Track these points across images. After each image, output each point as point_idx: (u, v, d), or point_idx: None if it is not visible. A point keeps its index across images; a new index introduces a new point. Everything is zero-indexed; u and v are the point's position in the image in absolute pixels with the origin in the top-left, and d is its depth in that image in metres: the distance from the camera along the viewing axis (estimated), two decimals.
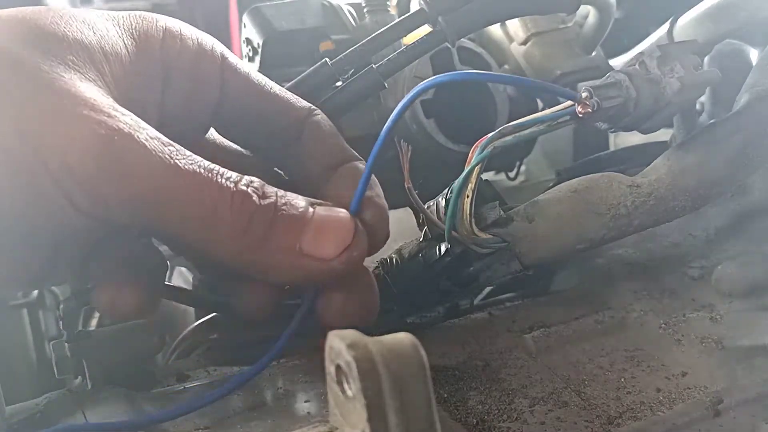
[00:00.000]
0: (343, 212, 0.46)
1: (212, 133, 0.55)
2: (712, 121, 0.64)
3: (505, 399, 0.52)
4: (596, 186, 0.59)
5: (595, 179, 0.60)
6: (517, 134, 0.53)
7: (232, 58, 0.51)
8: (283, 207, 0.43)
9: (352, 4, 0.87)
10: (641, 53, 0.58)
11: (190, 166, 0.42)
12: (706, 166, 0.59)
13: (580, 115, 0.53)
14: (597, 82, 0.56)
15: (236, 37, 2.60)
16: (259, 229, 0.42)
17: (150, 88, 0.48)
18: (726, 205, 0.65)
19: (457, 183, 0.53)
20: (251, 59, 0.84)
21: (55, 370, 0.56)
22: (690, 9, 0.78)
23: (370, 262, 0.66)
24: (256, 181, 0.43)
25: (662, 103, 0.57)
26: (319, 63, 0.60)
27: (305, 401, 0.53)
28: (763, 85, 0.63)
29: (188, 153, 0.43)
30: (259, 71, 0.84)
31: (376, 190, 0.50)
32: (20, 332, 0.92)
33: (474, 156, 0.52)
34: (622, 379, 0.55)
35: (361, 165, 0.50)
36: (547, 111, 0.54)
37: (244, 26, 0.85)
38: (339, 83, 0.60)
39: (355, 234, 0.45)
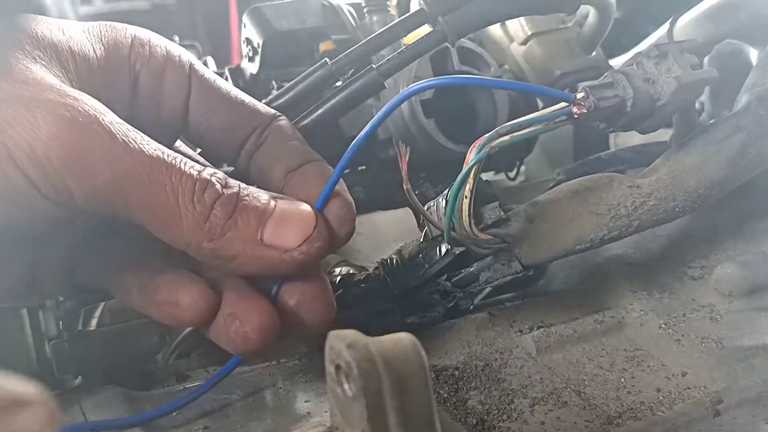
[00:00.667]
0: (304, 205, 0.46)
1: (180, 146, 0.55)
2: (712, 121, 0.64)
3: (505, 399, 0.52)
4: (596, 186, 0.59)
5: (595, 179, 0.60)
6: (514, 134, 0.53)
7: (200, 66, 0.52)
8: (246, 197, 0.44)
9: (352, 4, 0.87)
10: (639, 53, 0.58)
11: (155, 152, 0.42)
12: (706, 166, 0.59)
13: (576, 116, 0.53)
14: (594, 82, 0.56)
15: (236, 37, 2.60)
16: (221, 217, 0.43)
17: (117, 92, 0.48)
18: (726, 205, 0.65)
19: (455, 183, 0.53)
20: (251, 59, 0.84)
21: (55, 370, 0.56)
22: (690, 9, 0.78)
23: (370, 263, 0.66)
24: (220, 173, 0.44)
25: (659, 103, 0.57)
26: (319, 63, 0.60)
27: (305, 401, 0.53)
28: (763, 85, 0.63)
29: (153, 141, 0.43)
30: (259, 71, 0.85)
31: (343, 187, 0.50)
32: (20, 332, 0.92)
33: (471, 156, 0.52)
34: (622, 379, 0.55)
35: (325, 165, 0.51)
36: (544, 111, 0.54)
37: (244, 26, 0.84)
38: (339, 83, 0.60)
39: (316, 226, 0.45)
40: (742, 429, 0.50)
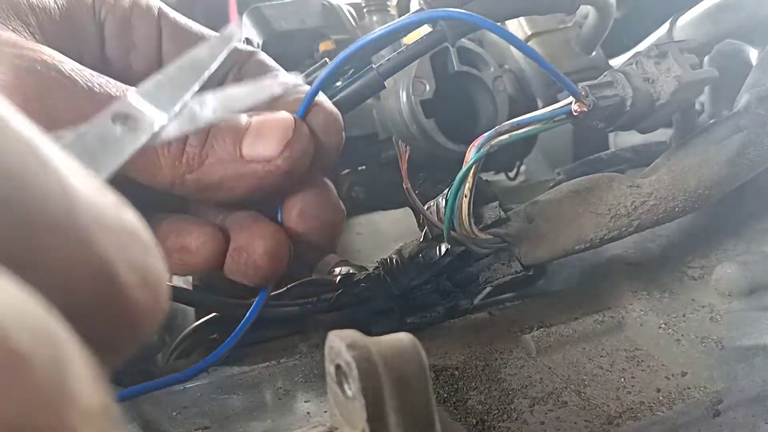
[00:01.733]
0: (281, 113, 0.44)
1: None
2: (711, 121, 0.64)
3: (505, 399, 0.52)
4: (596, 186, 0.59)
5: (595, 179, 0.60)
6: (513, 133, 0.53)
7: (168, 10, 0.50)
8: (220, 124, 0.43)
9: (352, 4, 0.87)
10: (638, 53, 0.58)
11: (118, 93, 0.40)
12: (706, 166, 0.59)
13: (576, 114, 0.53)
14: (594, 82, 0.56)
15: None
16: (195, 145, 0.41)
17: (84, 43, 0.47)
18: (726, 205, 0.65)
19: (455, 182, 0.53)
20: None
21: None
22: (690, 9, 0.78)
23: (370, 263, 0.66)
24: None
25: (659, 103, 0.57)
26: (319, 63, 0.60)
27: (305, 401, 0.53)
28: (763, 85, 0.63)
29: (120, 83, 0.42)
30: None
31: (325, 99, 0.49)
32: None
33: (470, 155, 0.52)
34: (622, 379, 0.55)
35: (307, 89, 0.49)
36: (544, 110, 0.54)
37: (244, 26, 0.85)
38: (339, 83, 0.60)
39: (295, 129, 0.43)
40: (742, 429, 0.50)
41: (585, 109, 0.53)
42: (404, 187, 0.54)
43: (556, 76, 0.51)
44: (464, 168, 0.53)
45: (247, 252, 0.45)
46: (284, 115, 0.44)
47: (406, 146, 0.54)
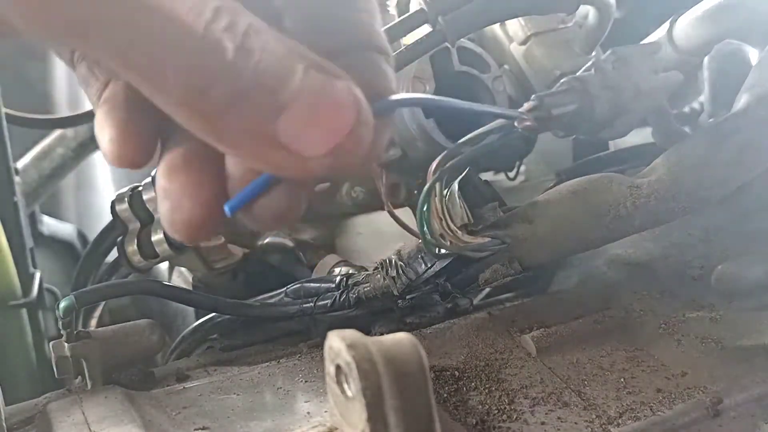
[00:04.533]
0: (343, 85, 0.30)
1: None
2: (711, 120, 0.64)
3: (505, 399, 0.52)
4: (596, 187, 0.59)
5: (594, 180, 0.60)
6: (466, 152, 0.52)
7: None
8: (266, 69, 0.29)
9: None
10: (597, 59, 0.58)
11: None
12: (706, 167, 0.59)
13: (521, 129, 0.52)
14: (551, 90, 0.55)
15: None
16: (221, 96, 0.29)
17: None
18: (726, 205, 0.65)
19: (418, 206, 0.53)
20: None
21: (55, 370, 0.56)
22: (690, 9, 0.78)
23: (370, 263, 0.66)
24: (240, 22, 0.29)
25: (620, 109, 0.56)
26: None
27: (305, 401, 0.53)
28: (762, 85, 0.63)
29: None
30: None
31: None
32: (20, 332, 0.92)
33: (429, 181, 0.52)
34: (622, 379, 0.55)
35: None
36: (493, 125, 0.54)
37: None
38: None
39: (356, 124, 0.30)
40: (742, 429, 0.50)
41: (528, 125, 0.52)
42: (386, 209, 0.54)
43: (484, 111, 0.48)
44: (422, 196, 0.52)
45: (171, 202, 0.34)
46: (348, 96, 0.30)
47: (382, 169, 0.53)
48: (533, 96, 0.54)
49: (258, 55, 0.29)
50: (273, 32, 0.30)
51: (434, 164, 0.52)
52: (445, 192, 0.57)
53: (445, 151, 0.52)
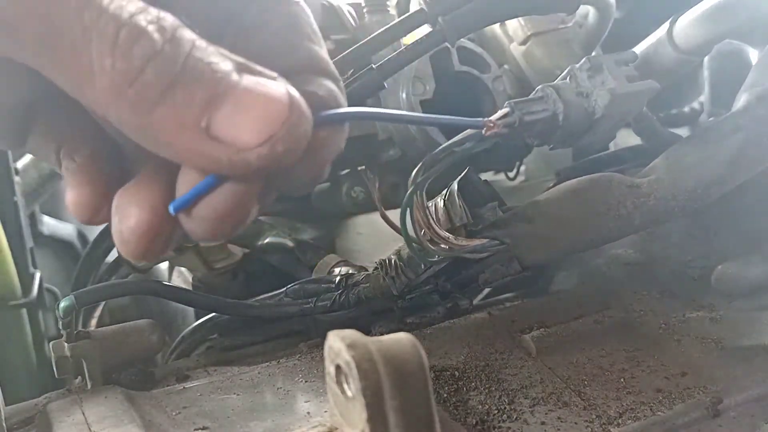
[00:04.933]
0: (277, 83, 0.31)
1: None
2: (711, 120, 0.64)
3: (505, 399, 0.52)
4: (596, 186, 0.59)
5: (594, 179, 0.60)
6: (445, 161, 0.52)
7: None
8: (197, 61, 0.30)
9: (352, 4, 0.87)
10: (572, 66, 0.58)
11: None
12: (706, 166, 0.59)
13: (489, 136, 0.52)
14: (523, 98, 0.56)
15: None
16: (153, 83, 0.29)
17: None
18: (726, 205, 0.65)
19: (399, 219, 0.53)
20: None
21: (55, 370, 0.56)
22: (690, 9, 0.78)
23: (370, 263, 0.66)
24: (169, 19, 0.30)
25: (595, 117, 0.56)
26: None
27: (305, 401, 0.53)
28: (762, 85, 0.63)
29: None
30: None
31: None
32: (20, 332, 0.92)
33: (408, 191, 0.52)
34: (622, 379, 0.55)
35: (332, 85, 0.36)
36: (463, 134, 0.53)
37: None
38: None
39: (290, 114, 0.31)
40: (742, 429, 0.50)
41: (495, 131, 0.51)
42: (379, 214, 0.54)
43: (451, 120, 0.47)
44: (403, 204, 0.52)
45: (119, 216, 0.34)
46: (279, 91, 0.31)
47: (374, 176, 0.53)
48: (506, 103, 0.54)
49: (188, 47, 0.30)
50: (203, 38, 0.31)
51: (413, 174, 0.52)
52: (439, 198, 0.57)
53: (423, 161, 0.52)
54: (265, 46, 0.36)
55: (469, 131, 0.52)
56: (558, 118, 0.55)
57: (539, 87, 0.57)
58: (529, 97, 0.56)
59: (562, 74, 0.58)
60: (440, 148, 0.53)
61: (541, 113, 0.55)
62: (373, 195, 0.53)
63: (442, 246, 0.54)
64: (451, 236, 0.55)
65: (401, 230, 0.53)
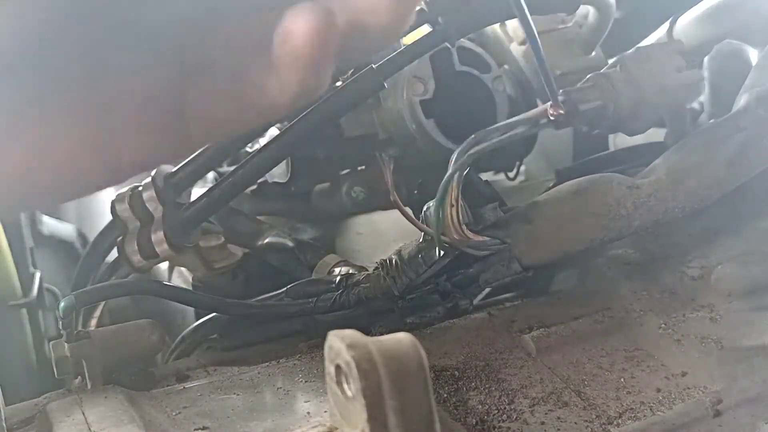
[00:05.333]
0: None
1: None
2: (711, 120, 0.64)
3: (505, 399, 0.52)
4: (596, 187, 0.59)
5: (594, 180, 0.60)
6: (493, 139, 0.52)
7: None
8: None
9: None
10: (622, 55, 0.58)
11: None
12: (706, 167, 0.59)
13: (552, 118, 0.53)
14: (577, 86, 0.56)
15: None
16: None
17: None
18: (726, 205, 0.65)
19: (438, 194, 0.53)
20: None
21: (55, 370, 0.56)
22: (690, 9, 0.78)
23: (370, 263, 0.66)
24: None
25: (643, 106, 0.57)
26: None
27: (305, 401, 0.53)
28: (762, 85, 0.63)
29: None
30: None
31: None
32: (20, 332, 0.92)
33: (452, 165, 0.52)
34: (622, 379, 0.55)
35: None
36: (524, 115, 0.54)
37: None
38: (339, 83, 0.60)
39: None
40: (742, 429, 0.50)
41: (561, 112, 0.52)
42: (391, 198, 0.54)
43: (547, 78, 0.49)
44: (446, 178, 0.52)
45: (285, 30, 0.30)
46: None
47: (390, 159, 0.53)
48: (561, 91, 0.54)
49: None
50: None
51: (458, 150, 0.52)
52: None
53: (471, 137, 0.52)
54: None
55: (524, 115, 0.53)
56: (609, 107, 0.56)
57: (590, 75, 0.57)
58: (582, 85, 0.56)
59: (612, 62, 0.58)
60: (493, 127, 0.53)
61: (595, 101, 0.55)
62: (387, 178, 0.53)
63: (455, 234, 0.54)
64: (464, 226, 0.55)
65: (434, 211, 0.53)
